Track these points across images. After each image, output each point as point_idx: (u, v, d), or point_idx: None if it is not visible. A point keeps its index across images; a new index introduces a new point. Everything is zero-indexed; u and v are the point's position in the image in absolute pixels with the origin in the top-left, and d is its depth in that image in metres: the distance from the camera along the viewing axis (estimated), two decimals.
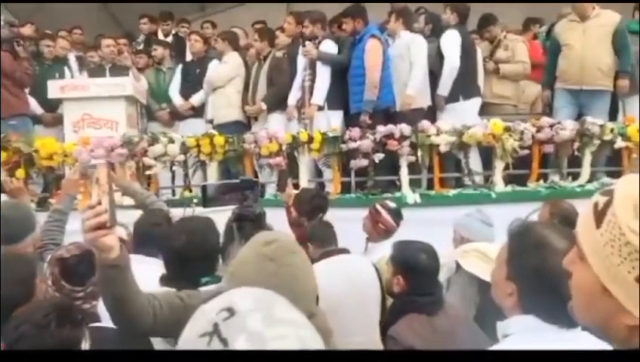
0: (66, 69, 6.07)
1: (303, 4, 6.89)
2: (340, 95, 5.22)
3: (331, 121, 5.06)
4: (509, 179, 4.75)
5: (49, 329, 1.42)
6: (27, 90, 5.45)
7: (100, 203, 1.45)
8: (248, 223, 1.76)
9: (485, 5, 6.08)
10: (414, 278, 2.24)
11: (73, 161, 4.48)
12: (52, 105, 5.62)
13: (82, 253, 1.86)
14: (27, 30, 5.44)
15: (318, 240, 2.78)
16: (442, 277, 2.46)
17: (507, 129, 4.59)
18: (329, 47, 5.28)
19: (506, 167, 4.68)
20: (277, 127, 5.05)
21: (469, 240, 2.77)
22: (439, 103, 5.19)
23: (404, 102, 5.05)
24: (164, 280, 1.91)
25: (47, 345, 1.40)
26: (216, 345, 0.75)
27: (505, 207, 4.14)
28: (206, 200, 2.04)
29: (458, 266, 2.38)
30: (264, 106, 5.50)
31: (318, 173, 5.24)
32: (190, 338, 0.79)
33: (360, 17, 5.20)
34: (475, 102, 5.28)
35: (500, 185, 4.65)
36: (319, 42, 5.29)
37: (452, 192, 4.67)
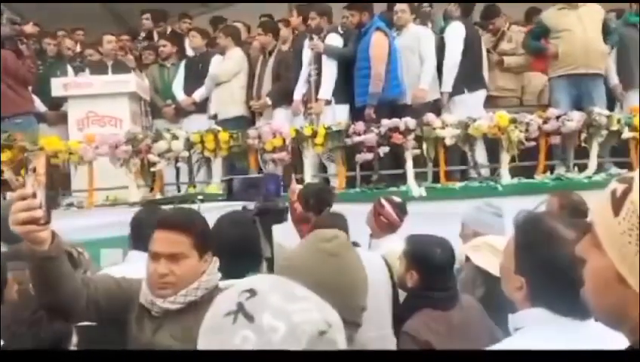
0: (68, 66, 6.08)
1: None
2: (346, 89, 5.20)
3: (337, 114, 5.04)
4: (515, 172, 4.72)
5: (40, 326, 1.42)
6: (30, 88, 5.45)
7: (34, 195, 1.36)
8: (270, 217, 1.77)
9: None
10: (429, 273, 2.21)
11: (78, 158, 4.49)
12: (55, 103, 5.62)
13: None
14: (30, 28, 5.43)
15: None
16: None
17: (513, 121, 4.56)
18: (335, 40, 5.25)
19: (512, 159, 4.66)
20: (282, 122, 5.04)
21: (480, 233, 2.74)
22: (444, 99, 5.17)
23: (418, 96, 5.04)
24: None
25: (42, 340, 1.40)
26: (242, 322, 0.79)
27: (512, 199, 4.10)
28: (231, 195, 2.04)
29: (466, 259, 2.36)
30: (269, 101, 5.49)
31: (323, 168, 5.22)
32: (215, 319, 0.82)
33: (366, 10, 5.17)
34: (480, 95, 5.25)
35: (506, 178, 4.62)
36: (325, 36, 5.27)
37: (458, 185, 4.66)
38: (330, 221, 2.84)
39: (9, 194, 4.00)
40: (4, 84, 5.07)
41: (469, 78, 5.15)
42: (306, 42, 5.37)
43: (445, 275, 2.24)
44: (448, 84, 5.12)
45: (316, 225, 2.71)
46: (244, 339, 0.78)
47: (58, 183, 4.67)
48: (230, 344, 0.78)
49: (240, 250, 1.96)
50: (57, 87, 5.24)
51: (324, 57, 5.17)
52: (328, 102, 5.14)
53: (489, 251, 2.21)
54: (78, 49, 6.48)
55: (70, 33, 6.70)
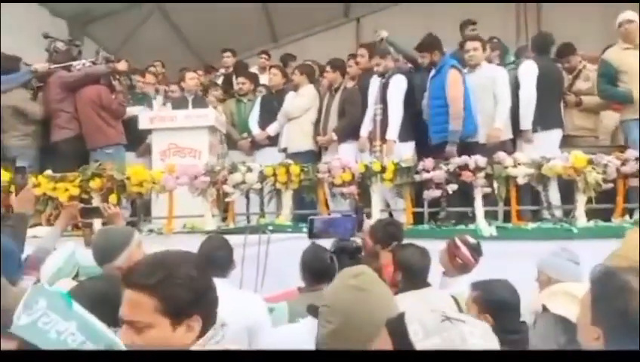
0: (153, 101, 6.53)
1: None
2: (410, 126, 5.30)
3: (401, 153, 5.10)
4: (591, 214, 4.56)
5: None
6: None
7: None
8: (347, 256, 1.88)
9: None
10: (503, 316, 2.24)
11: (160, 187, 4.77)
12: (138, 135, 5.98)
13: None
14: (122, 65, 5.92)
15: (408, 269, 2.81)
16: (528, 319, 2.42)
17: (590, 162, 4.44)
18: (400, 81, 5.37)
19: (589, 201, 4.51)
20: (348, 157, 5.18)
21: (557, 280, 2.70)
22: (525, 137, 5.15)
23: (493, 135, 5.05)
24: None
25: None
26: None
27: (587, 243, 3.97)
28: (312, 233, 2.19)
29: (543, 309, 2.33)
30: (335, 137, 5.65)
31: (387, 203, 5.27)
32: None
33: (437, 49, 5.26)
34: (555, 134, 5.16)
35: (582, 220, 4.47)
36: (389, 76, 5.40)
37: (531, 226, 4.55)
38: (410, 253, 2.88)
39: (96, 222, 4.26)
40: (98, 117, 5.53)
41: (543, 116, 5.09)
42: (372, 81, 5.53)
43: (517, 317, 2.27)
44: (527, 121, 5.11)
45: (397, 258, 2.77)
46: None
47: (140, 210, 4.97)
48: None
49: (319, 281, 2.04)
50: (144, 120, 5.64)
51: (389, 97, 5.29)
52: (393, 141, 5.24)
53: (567, 299, 2.18)
54: (158, 84, 6.95)
55: (151, 69, 7.17)
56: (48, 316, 1.09)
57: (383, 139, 5.31)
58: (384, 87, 5.41)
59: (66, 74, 5.71)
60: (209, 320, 1.29)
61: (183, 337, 1.24)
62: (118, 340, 1.15)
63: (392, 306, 1.43)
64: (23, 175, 2.93)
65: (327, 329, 1.41)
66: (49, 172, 4.95)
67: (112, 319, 1.26)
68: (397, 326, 1.02)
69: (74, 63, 5.74)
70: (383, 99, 5.35)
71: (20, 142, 5.59)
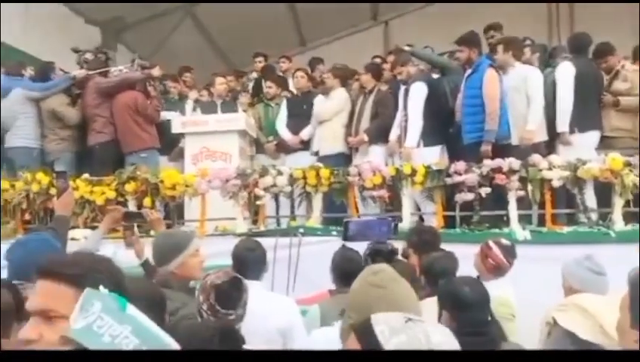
0: (186, 105, 6.64)
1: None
2: (438, 130, 5.30)
3: (427, 157, 5.04)
4: (629, 217, 4.44)
5: (212, 346, 1.56)
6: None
7: None
8: (381, 258, 1.88)
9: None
10: (462, 315, 2.11)
11: (193, 191, 4.85)
12: (172, 139, 6.09)
13: (231, 278, 2.01)
14: (156, 71, 6.06)
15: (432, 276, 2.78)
16: (543, 330, 2.36)
17: (627, 164, 4.32)
18: (420, 88, 5.36)
19: (626, 204, 4.39)
20: (377, 159, 5.19)
21: (577, 289, 2.61)
22: (562, 139, 5.07)
23: (525, 138, 4.98)
24: None
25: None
26: None
27: (625, 247, 3.87)
28: (347, 236, 2.20)
29: (554, 321, 2.25)
30: (366, 138, 5.66)
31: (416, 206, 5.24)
32: None
33: (475, 47, 5.22)
34: (592, 135, 5.05)
35: (619, 224, 4.36)
36: (410, 84, 5.43)
37: (566, 230, 4.45)
38: (434, 257, 2.86)
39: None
40: (133, 122, 5.66)
41: (580, 118, 4.99)
42: (401, 88, 5.55)
43: (479, 317, 2.16)
44: (564, 123, 5.02)
45: (422, 263, 2.75)
46: None
47: (174, 213, 5.06)
48: None
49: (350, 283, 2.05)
50: (177, 125, 5.74)
51: (409, 105, 5.31)
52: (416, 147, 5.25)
53: (577, 312, 2.08)
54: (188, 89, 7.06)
55: (182, 74, 7.30)
56: (102, 319, 1.10)
57: None
58: (406, 94, 5.44)
59: (103, 80, 5.87)
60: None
61: None
62: (173, 342, 1.17)
63: (410, 304, 1.45)
64: (64, 179, 3.01)
65: (344, 326, 1.45)
66: (86, 175, 5.08)
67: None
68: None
69: (111, 69, 5.90)
70: (406, 106, 5.38)
71: (57, 146, 5.78)
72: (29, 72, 6.11)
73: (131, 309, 1.14)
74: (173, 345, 1.17)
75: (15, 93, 5.81)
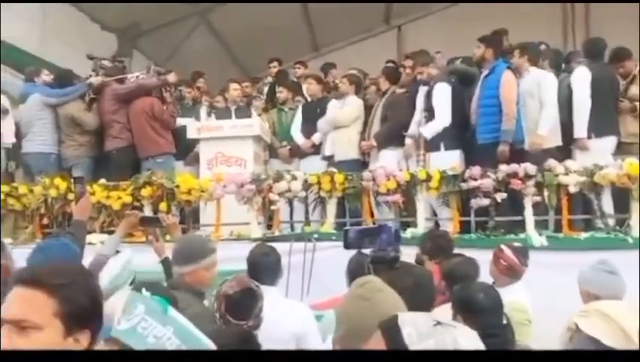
0: (201, 111, 6.69)
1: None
2: (457, 135, 5.27)
3: (448, 161, 5.03)
4: None
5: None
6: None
7: None
8: (383, 266, 1.87)
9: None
10: (475, 319, 2.09)
11: (208, 195, 4.88)
12: (187, 144, 6.13)
13: (243, 289, 2.02)
14: (172, 78, 6.11)
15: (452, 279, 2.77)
16: (564, 335, 2.33)
17: None
18: (443, 89, 5.34)
19: None
20: (389, 164, 5.18)
21: (595, 294, 2.60)
22: (579, 144, 5.02)
23: (535, 142, 4.93)
24: None
25: None
26: None
27: None
28: (347, 243, 2.20)
29: (576, 328, 2.24)
30: (374, 143, 5.66)
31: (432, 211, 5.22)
32: None
33: (491, 47, 5.21)
34: (609, 141, 5.00)
35: (637, 230, 4.30)
36: (434, 84, 5.39)
37: (583, 235, 4.40)
38: (456, 263, 2.85)
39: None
40: (150, 127, 5.72)
41: (597, 123, 4.95)
42: (420, 88, 5.53)
43: (491, 321, 2.17)
44: (582, 129, 4.97)
45: (443, 268, 2.74)
46: None
47: (189, 217, 5.09)
48: None
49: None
50: (192, 130, 5.78)
51: (435, 104, 5.28)
52: (436, 148, 5.21)
53: (599, 318, 2.06)
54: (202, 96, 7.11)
55: (196, 80, 7.34)
56: (146, 321, 1.14)
57: (427, 148, 5.28)
58: (428, 95, 5.41)
59: (120, 86, 5.94)
60: (95, 340, 1.21)
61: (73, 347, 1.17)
62: (211, 343, 1.19)
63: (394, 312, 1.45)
64: (82, 184, 3.06)
65: (335, 337, 1.48)
66: (103, 181, 5.14)
67: None
68: (390, 327, 1.06)
69: (128, 76, 5.96)
70: (428, 107, 5.33)
71: (75, 151, 5.85)
72: (45, 77, 6.19)
73: (172, 311, 1.17)
74: (211, 345, 1.19)
75: (32, 99, 5.90)
